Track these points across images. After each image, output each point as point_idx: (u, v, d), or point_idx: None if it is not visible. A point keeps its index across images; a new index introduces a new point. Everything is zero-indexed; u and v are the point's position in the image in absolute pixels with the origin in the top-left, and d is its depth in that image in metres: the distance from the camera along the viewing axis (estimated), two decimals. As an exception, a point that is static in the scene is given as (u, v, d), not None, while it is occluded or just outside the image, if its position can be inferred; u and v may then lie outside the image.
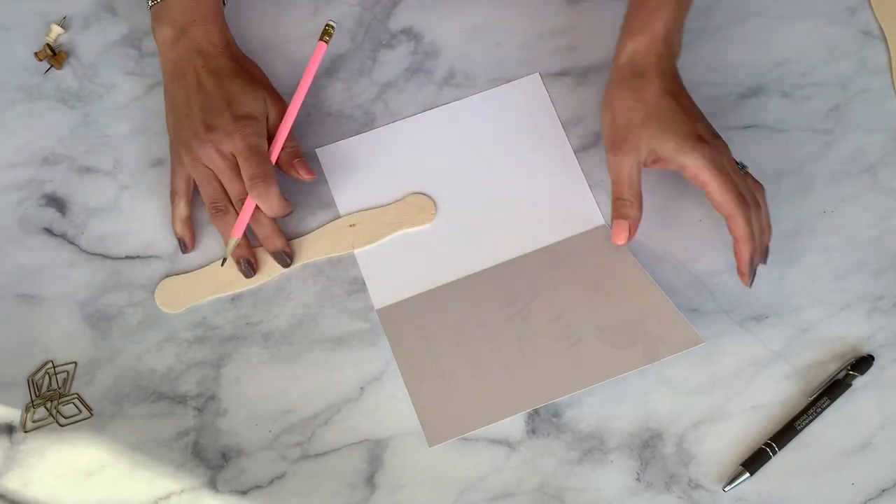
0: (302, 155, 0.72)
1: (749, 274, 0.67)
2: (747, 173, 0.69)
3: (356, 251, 0.72)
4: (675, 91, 0.68)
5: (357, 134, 0.76)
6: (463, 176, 0.74)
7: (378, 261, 0.71)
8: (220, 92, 0.69)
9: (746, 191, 0.66)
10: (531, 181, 0.73)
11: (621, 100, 0.68)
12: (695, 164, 0.65)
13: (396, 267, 0.71)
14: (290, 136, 0.71)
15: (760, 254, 0.67)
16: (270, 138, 0.71)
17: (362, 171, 0.74)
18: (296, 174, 0.71)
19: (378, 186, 0.74)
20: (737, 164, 0.68)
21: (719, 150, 0.66)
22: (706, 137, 0.66)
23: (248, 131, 0.68)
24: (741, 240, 0.65)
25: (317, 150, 0.75)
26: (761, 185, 0.69)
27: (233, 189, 0.70)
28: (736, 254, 0.66)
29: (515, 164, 0.74)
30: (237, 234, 0.69)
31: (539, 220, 0.72)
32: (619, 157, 0.67)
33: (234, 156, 0.69)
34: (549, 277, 0.69)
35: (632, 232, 0.68)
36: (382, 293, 0.70)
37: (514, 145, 0.75)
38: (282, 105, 0.72)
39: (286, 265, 0.71)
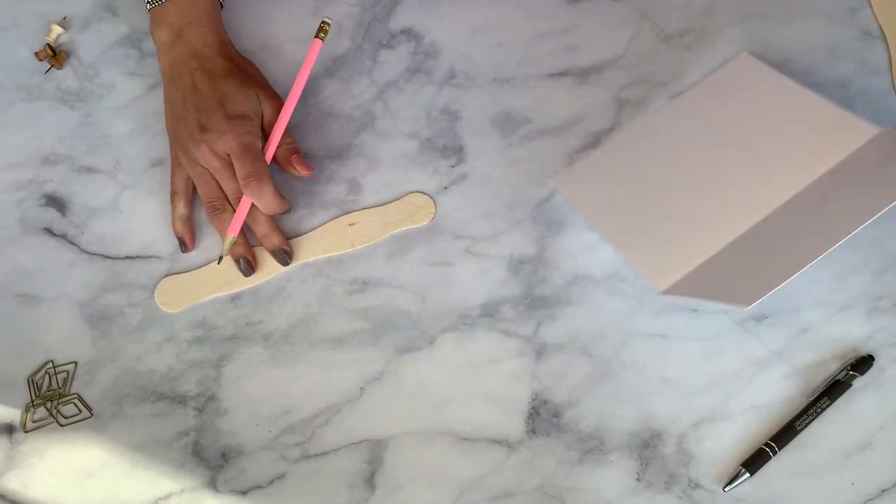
0: (299, 151, 0.72)
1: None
2: None
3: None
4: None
5: (359, 133, 0.76)
6: (719, 158, 0.71)
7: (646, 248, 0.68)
8: (213, 92, 0.70)
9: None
10: (794, 136, 0.70)
11: None
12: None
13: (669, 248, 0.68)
14: (287, 133, 0.72)
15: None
16: (267, 136, 0.71)
17: (605, 185, 0.72)
18: (293, 170, 0.71)
19: (628, 195, 0.71)
20: None
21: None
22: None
23: (240, 130, 0.69)
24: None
25: (550, 179, 0.73)
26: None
27: (228, 188, 0.70)
28: None
29: (774, 130, 0.71)
30: (233, 232, 0.69)
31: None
32: None
33: (228, 155, 0.69)
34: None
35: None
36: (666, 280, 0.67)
37: (764, 112, 0.72)
38: (277, 102, 0.72)
39: (285, 263, 0.71)
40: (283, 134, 0.71)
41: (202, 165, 0.70)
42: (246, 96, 0.70)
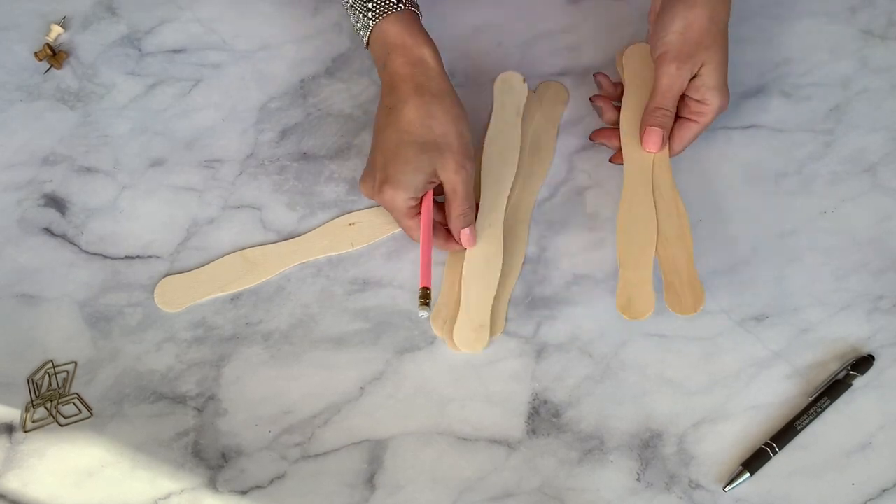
0: (472, 223, 0.70)
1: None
2: None
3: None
4: (726, 26, 0.70)
5: (359, 133, 0.76)
6: None
7: None
8: (384, 147, 0.68)
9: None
10: None
11: (697, 13, 0.68)
12: (713, 109, 0.69)
13: None
14: (466, 203, 0.69)
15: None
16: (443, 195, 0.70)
17: None
18: (459, 240, 0.70)
19: None
20: None
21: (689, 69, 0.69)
22: (687, 53, 0.69)
23: (387, 200, 0.68)
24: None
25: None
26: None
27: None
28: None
29: None
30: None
31: None
32: (680, 70, 0.68)
33: None
34: None
35: (664, 142, 0.70)
36: None
37: None
38: (462, 168, 0.67)
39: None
40: (461, 206, 0.69)
41: None
42: (416, 166, 0.67)
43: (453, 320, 0.69)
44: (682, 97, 0.70)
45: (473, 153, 0.69)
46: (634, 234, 0.69)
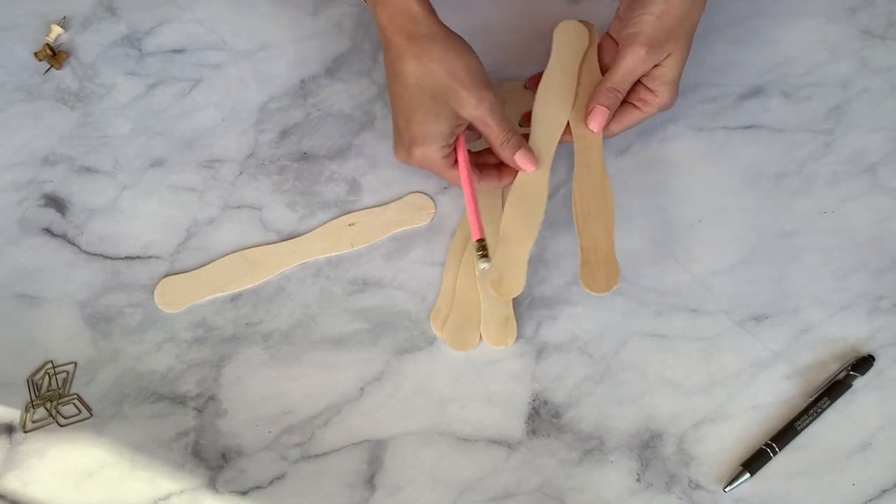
0: (520, 146, 0.68)
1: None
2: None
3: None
4: (695, 25, 0.69)
5: (359, 133, 0.76)
6: None
7: None
8: (401, 105, 0.66)
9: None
10: None
11: (675, 2, 0.67)
12: (661, 103, 0.69)
13: None
14: (503, 130, 0.67)
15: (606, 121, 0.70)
16: (476, 131, 0.69)
17: None
18: (518, 168, 0.68)
19: None
20: None
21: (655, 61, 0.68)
22: (658, 44, 0.67)
23: (421, 159, 0.67)
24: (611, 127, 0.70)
25: None
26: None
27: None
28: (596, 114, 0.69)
29: None
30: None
31: None
32: (648, 55, 0.67)
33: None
34: None
35: (605, 124, 0.69)
36: None
37: None
38: (483, 103, 0.65)
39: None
40: (499, 135, 0.67)
41: None
42: (436, 115, 0.66)
43: (457, 318, 0.69)
44: (636, 83, 0.69)
45: (489, 83, 0.67)
46: (522, 211, 0.67)
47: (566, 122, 0.71)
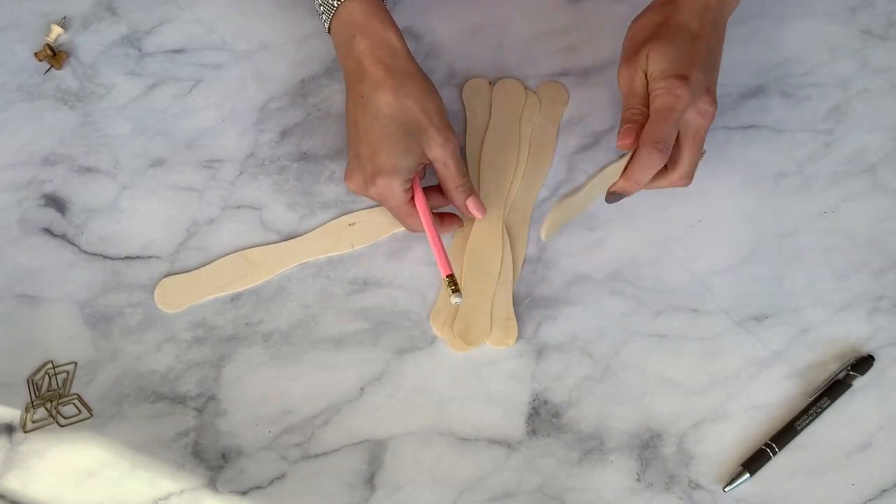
0: (473, 193, 0.70)
1: (613, 201, 0.66)
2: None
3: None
4: (699, 33, 0.65)
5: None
6: None
7: None
8: (368, 136, 0.66)
9: (689, 157, 0.65)
10: None
11: (645, 19, 0.67)
12: (658, 92, 0.63)
13: None
14: (460, 174, 0.68)
15: (628, 193, 0.66)
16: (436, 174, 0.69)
17: None
18: (467, 213, 0.70)
19: None
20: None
21: (696, 104, 0.64)
22: (693, 85, 0.63)
23: (382, 190, 0.67)
24: (627, 177, 0.64)
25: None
26: (689, 179, 0.67)
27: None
28: (619, 182, 0.65)
29: None
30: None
31: None
32: (628, 69, 0.66)
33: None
34: None
35: (637, 137, 0.64)
36: None
37: None
38: (449, 142, 0.67)
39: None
40: (456, 179, 0.68)
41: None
42: (405, 148, 0.66)
43: (453, 320, 0.69)
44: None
45: (451, 126, 0.68)
46: (480, 262, 0.70)
47: (511, 177, 0.74)
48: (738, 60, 0.77)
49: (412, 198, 0.68)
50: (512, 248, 0.71)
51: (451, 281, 0.66)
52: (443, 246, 0.68)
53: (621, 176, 0.65)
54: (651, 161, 0.63)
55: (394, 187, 0.66)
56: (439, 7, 0.79)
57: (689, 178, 0.67)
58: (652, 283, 0.71)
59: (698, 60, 0.64)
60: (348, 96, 0.68)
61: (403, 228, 0.72)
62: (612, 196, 0.66)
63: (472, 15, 0.79)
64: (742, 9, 0.78)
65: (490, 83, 0.77)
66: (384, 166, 0.66)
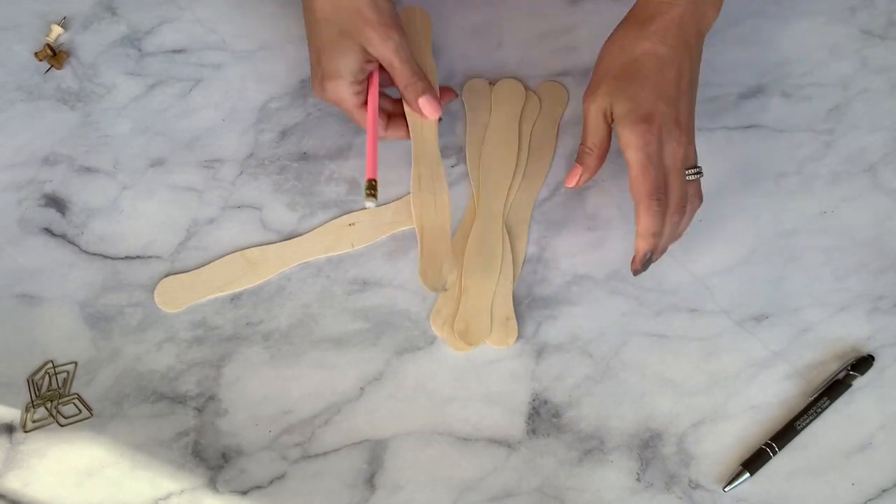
0: (424, 91, 0.68)
1: (641, 266, 0.65)
2: (696, 181, 0.66)
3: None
4: (667, 57, 0.64)
5: (359, 133, 0.76)
6: None
7: None
8: (312, 41, 0.68)
9: (675, 192, 0.64)
10: None
11: (613, 43, 0.66)
12: (627, 140, 0.62)
13: None
14: (408, 71, 0.67)
15: (659, 253, 0.66)
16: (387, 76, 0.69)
17: None
18: (422, 114, 0.69)
19: None
20: (694, 167, 0.65)
21: (666, 139, 0.63)
22: (659, 121, 0.62)
23: (332, 94, 0.68)
24: (639, 234, 0.64)
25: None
26: (699, 199, 0.67)
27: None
28: (635, 244, 0.64)
29: None
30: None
31: None
32: (587, 102, 0.66)
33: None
34: None
35: (581, 181, 0.67)
36: None
37: None
38: (392, 41, 0.66)
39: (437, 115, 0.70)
40: (403, 77, 0.68)
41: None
42: (343, 50, 0.66)
43: (453, 319, 0.69)
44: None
45: (398, 23, 0.67)
46: (481, 261, 0.70)
47: (511, 178, 0.74)
48: (738, 60, 0.77)
49: (363, 100, 0.69)
50: (512, 247, 0.71)
51: (371, 185, 0.65)
52: (376, 148, 0.67)
53: (637, 237, 0.64)
54: (653, 212, 0.63)
55: (341, 91, 0.67)
56: (439, 7, 0.79)
57: (681, 209, 0.65)
58: (652, 283, 0.71)
59: (665, 90, 0.64)
60: (302, 7, 0.69)
61: (403, 228, 0.72)
62: (643, 263, 0.65)
63: (472, 15, 0.79)
64: (742, 9, 0.79)
65: (490, 83, 0.77)
66: (328, 70, 0.67)
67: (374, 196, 0.65)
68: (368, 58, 0.67)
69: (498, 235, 0.71)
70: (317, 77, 0.69)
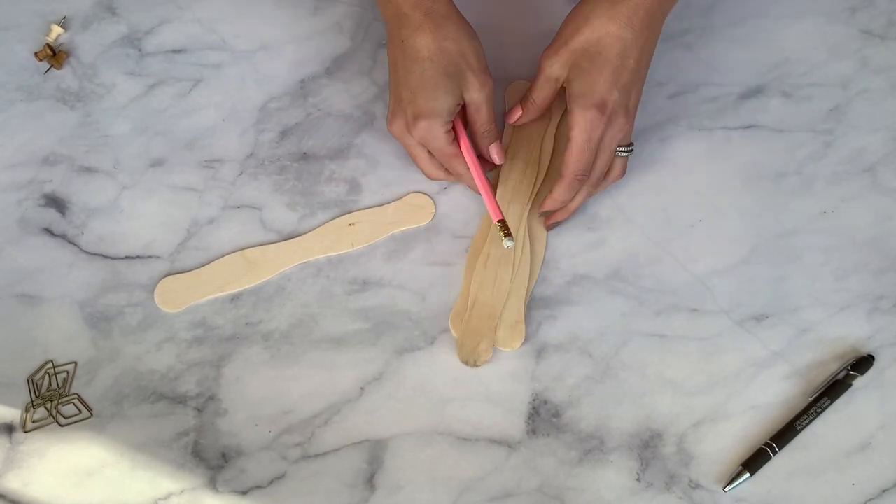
0: (497, 139, 0.72)
1: (550, 224, 0.72)
2: (625, 157, 0.70)
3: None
4: (630, 41, 0.66)
5: (359, 133, 0.76)
6: None
7: None
8: (408, 79, 0.68)
9: (599, 168, 0.68)
10: None
11: (581, 12, 0.68)
12: (575, 120, 0.66)
13: None
14: (490, 119, 0.70)
15: (563, 216, 0.71)
16: (469, 120, 0.71)
17: None
18: (487, 157, 0.72)
19: None
20: (627, 145, 0.69)
21: (609, 123, 0.66)
22: (609, 105, 0.66)
23: (424, 133, 0.68)
24: (552, 199, 0.69)
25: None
26: (622, 173, 0.71)
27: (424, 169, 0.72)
28: (545, 204, 0.70)
29: None
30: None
31: None
32: (544, 63, 0.69)
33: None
34: None
35: (519, 121, 0.73)
36: None
37: None
38: (487, 86, 0.69)
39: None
40: (486, 123, 0.70)
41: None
42: (445, 90, 0.67)
43: (466, 318, 0.69)
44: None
45: (489, 71, 0.70)
46: (495, 272, 0.70)
47: (534, 179, 0.74)
48: (738, 60, 0.77)
49: (453, 138, 0.69)
50: (532, 250, 0.71)
51: (503, 226, 0.67)
52: (491, 188, 0.70)
53: (547, 199, 0.69)
54: (573, 188, 0.68)
55: (434, 129, 0.68)
56: (439, 7, 0.79)
57: (598, 182, 0.70)
58: (652, 283, 0.71)
59: (622, 78, 0.66)
60: (389, 41, 0.70)
61: (403, 228, 0.72)
62: (549, 224, 0.72)
63: (473, 15, 0.79)
64: (742, 9, 0.79)
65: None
66: (425, 109, 0.67)
67: (510, 235, 0.67)
68: (461, 101, 0.69)
69: (519, 239, 0.71)
70: (404, 114, 0.69)
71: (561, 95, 0.70)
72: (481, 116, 0.70)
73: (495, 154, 0.71)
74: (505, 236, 0.66)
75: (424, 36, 0.67)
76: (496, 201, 0.69)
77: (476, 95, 0.69)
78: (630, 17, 0.66)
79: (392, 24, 0.69)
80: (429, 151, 0.71)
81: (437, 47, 0.67)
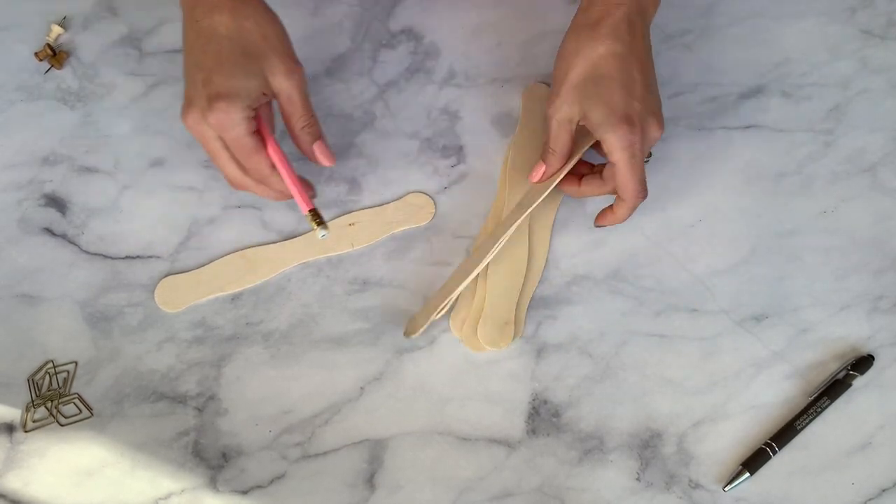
0: (321, 137, 0.66)
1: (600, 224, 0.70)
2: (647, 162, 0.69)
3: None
4: (625, 54, 0.64)
5: (359, 133, 0.76)
6: None
7: None
8: (203, 59, 0.61)
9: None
10: None
11: (568, 48, 0.66)
12: (611, 144, 0.63)
13: None
14: (308, 116, 0.64)
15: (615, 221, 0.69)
16: (282, 112, 0.65)
17: None
18: (315, 161, 0.66)
19: None
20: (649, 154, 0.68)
21: (643, 134, 0.64)
22: (635, 118, 0.63)
23: (221, 118, 0.61)
24: (615, 218, 0.68)
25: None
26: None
27: (229, 174, 0.65)
28: (603, 218, 0.69)
29: None
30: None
31: None
32: (550, 112, 0.66)
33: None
34: None
35: (544, 177, 0.69)
36: None
37: None
38: (295, 75, 0.63)
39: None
40: (302, 117, 0.64)
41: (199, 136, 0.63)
42: (246, 71, 0.61)
43: (474, 320, 0.69)
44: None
45: (300, 63, 0.63)
46: (503, 268, 0.70)
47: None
48: (738, 60, 0.77)
49: (255, 132, 0.62)
50: (533, 253, 0.71)
51: (315, 215, 0.64)
52: (295, 178, 0.64)
53: (609, 216, 0.68)
54: (636, 207, 0.67)
55: (233, 112, 0.60)
56: (439, 7, 0.79)
57: (640, 194, 0.67)
58: (652, 283, 0.71)
59: (634, 89, 0.64)
60: (184, 25, 0.63)
61: (403, 228, 0.72)
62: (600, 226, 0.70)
63: (472, 15, 0.79)
64: (742, 9, 0.79)
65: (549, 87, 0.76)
66: (222, 88, 0.60)
67: (324, 224, 0.64)
68: (266, 89, 0.62)
69: (524, 240, 0.71)
70: (199, 98, 0.61)
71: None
72: (296, 109, 0.63)
73: (320, 153, 0.65)
74: (318, 225, 0.64)
75: (222, 14, 0.61)
76: (305, 193, 0.64)
77: (283, 83, 0.62)
78: (614, 32, 0.64)
79: (187, 6, 0.63)
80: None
81: (237, 25, 0.61)
